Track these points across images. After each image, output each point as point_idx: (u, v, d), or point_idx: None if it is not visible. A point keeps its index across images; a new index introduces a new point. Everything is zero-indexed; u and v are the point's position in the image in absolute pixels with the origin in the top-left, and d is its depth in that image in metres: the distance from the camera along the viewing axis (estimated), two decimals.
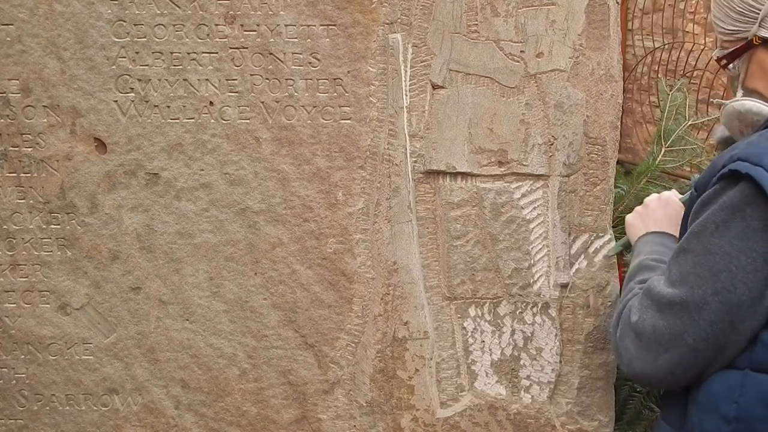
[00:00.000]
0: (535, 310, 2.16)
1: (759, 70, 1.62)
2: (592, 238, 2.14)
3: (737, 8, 1.62)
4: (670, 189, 2.17)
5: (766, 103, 1.62)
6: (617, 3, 2.07)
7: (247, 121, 2.07)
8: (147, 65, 2.04)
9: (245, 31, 2.03)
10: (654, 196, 1.97)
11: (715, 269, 1.46)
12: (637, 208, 1.99)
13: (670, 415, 1.66)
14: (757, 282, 1.44)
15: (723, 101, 1.74)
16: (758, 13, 1.58)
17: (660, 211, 1.92)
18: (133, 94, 2.06)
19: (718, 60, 1.70)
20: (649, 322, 1.55)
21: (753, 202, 1.44)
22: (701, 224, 1.50)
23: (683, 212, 1.92)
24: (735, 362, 1.50)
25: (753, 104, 1.63)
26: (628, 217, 2.00)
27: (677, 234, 1.88)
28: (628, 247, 2.08)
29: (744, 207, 1.45)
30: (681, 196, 1.96)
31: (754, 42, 1.61)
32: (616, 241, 2.15)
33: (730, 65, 1.67)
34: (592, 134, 2.10)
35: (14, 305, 2.16)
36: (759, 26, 1.59)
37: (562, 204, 2.12)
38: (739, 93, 1.68)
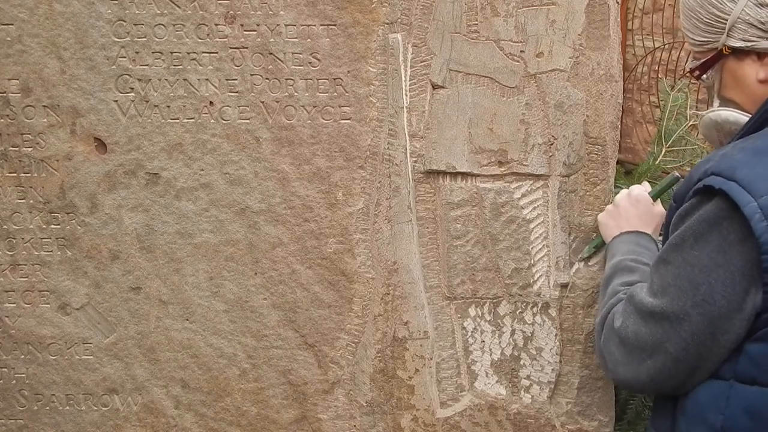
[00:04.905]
0: (535, 310, 2.16)
1: (732, 80, 1.63)
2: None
3: (705, 19, 1.61)
4: (658, 181, 2.17)
5: (742, 112, 1.62)
6: (617, 3, 2.07)
7: (247, 121, 2.07)
8: (147, 65, 2.04)
9: (245, 31, 2.03)
10: (624, 193, 1.99)
11: (695, 282, 1.48)
12: (608, 207, 2.00)
13: (659, 423, 1.67)
14: (736, 294, 1.46)
15: (700, 112, 1.74)
16: (725, 23, 1.58)
17: (632, 209, 1.93)
18: (133, 94, 2.06)
19: (692, 71, 1.70)
20: (632, 328, 1.57)
21: (728, 216, 1.45)
22: (680, 236, 1.52)
23: (655, 208, 1.95)
24: (721, 373, 1.52)
25: (729, 113, 1.64)
26: (600, 217, 2.01)
27: (650, 231, 1.91)
28: (601, 247, 2.09)
29: (720, 221, 1.46)
30: (651, 190, 1.98)
31: (724, 52, 1.61)
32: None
33: (704, 76, 1.68)
34: (592, 134, 2.10)
35: (14, 305, 2.16)
36: (727, 36, 1.59)
37: (562, 204, 2.12)
38: (716, 103, 1.68)
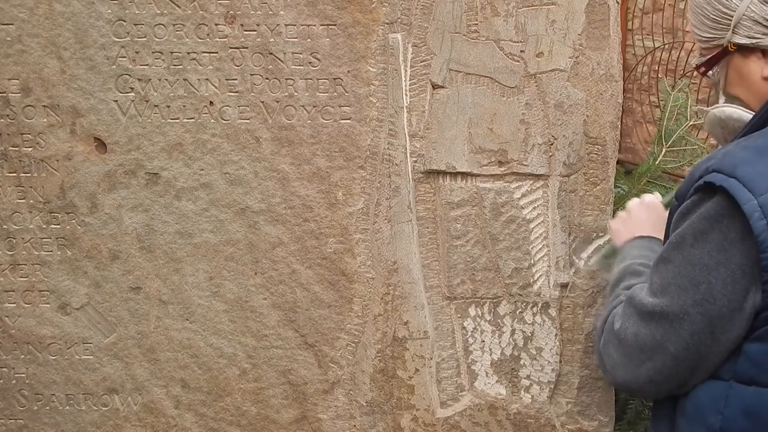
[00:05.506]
0: (535, 309, 2.16)
1: (737, 76, 1.62)
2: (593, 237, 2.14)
3: (711, 15, 1.61)
4: (670, 189, 2.17)
5: (746, 109, 1.61)
6: (617, 3, 2.07)
7: (247, 120, 2.07)
8: (147, 65, 2.04)
9: (245, 30, 2.03)
10: (636, 200, 1.98)
11: (695, 280, 1.47)
12: (620, 214, 1.99)
13: (659, 424, 1.67)
14: (736, 293, 1.45)
15: (704, 108, 1.74)
16: (731, 20, 1.58)
17: (643, 215, 1.92)
18: (133, 94, 2.06)
19: (697, 67, 1.70)
20: (631, 330, 1.56)
21: (729, 214, 1.44)
22: (680, 235, 1.51)
23: (666, 215, 1.94)
24: (720, 373, 1.52)
25: (733, 110, 1.63)
26: (612, 223, 2.00)
27: (661, 237, 1.90)
28: (614, 254, 2.08)
29: (721, 219, 1.45)
30: (662, 199, 1.97)
31: (730, 48, 1.61)
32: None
33: (709, 72, 1.67)
34: (592, 134, 2.10)
35: (14, 305, 2.16)
36: (733, 33, 1.58)
37: (562, 204, 2.12)
38: (721, 99, 1.68)
